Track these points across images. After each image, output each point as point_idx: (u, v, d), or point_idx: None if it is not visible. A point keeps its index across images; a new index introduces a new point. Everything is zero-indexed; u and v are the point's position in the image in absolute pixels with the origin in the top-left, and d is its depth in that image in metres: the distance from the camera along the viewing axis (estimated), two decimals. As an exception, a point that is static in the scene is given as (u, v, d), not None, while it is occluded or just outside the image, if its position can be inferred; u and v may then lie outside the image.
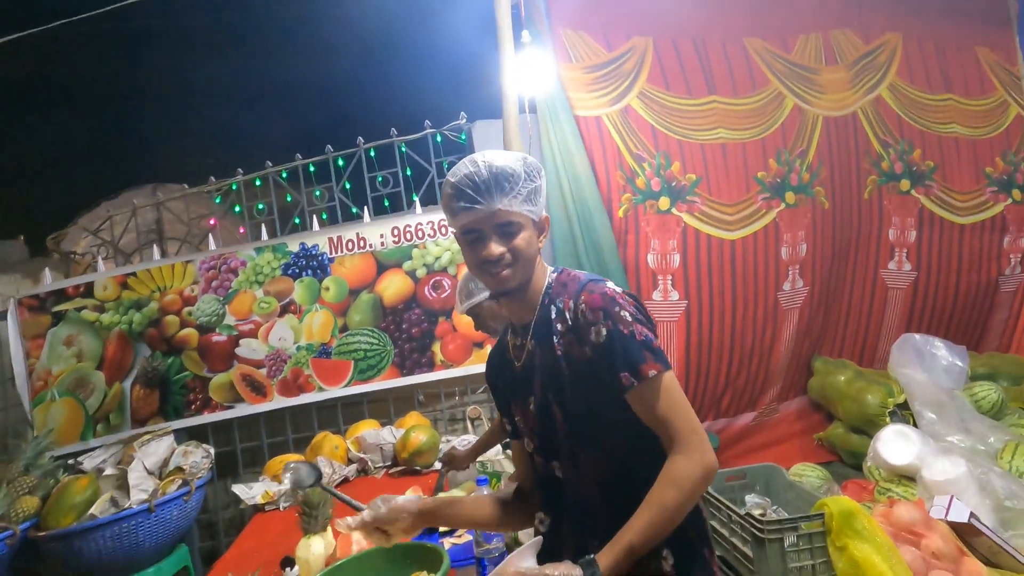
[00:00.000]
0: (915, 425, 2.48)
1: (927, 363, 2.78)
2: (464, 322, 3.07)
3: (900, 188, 3.19)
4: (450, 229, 1.16)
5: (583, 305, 1.06)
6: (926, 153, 3.19)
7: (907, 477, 2.27)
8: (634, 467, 1.08)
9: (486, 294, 2.12)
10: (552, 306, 1.13)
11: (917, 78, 3.23)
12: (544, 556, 1.03)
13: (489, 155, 1.09)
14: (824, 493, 2.35)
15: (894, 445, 2.31)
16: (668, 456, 1.02)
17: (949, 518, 1.83)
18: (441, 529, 1.88)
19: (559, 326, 1.10)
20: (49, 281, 3.07)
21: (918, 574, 1.65)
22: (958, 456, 2.15)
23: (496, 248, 1.06)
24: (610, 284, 1.10)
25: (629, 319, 1.05)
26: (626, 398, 1.04)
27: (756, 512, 1.94)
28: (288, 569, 1.70)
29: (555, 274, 1.17)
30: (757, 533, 1.81)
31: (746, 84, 3.05)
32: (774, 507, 2.25)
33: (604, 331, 1.04)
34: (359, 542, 1.78)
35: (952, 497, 1.88)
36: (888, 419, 2.59)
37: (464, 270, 3.11)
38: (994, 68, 3.38)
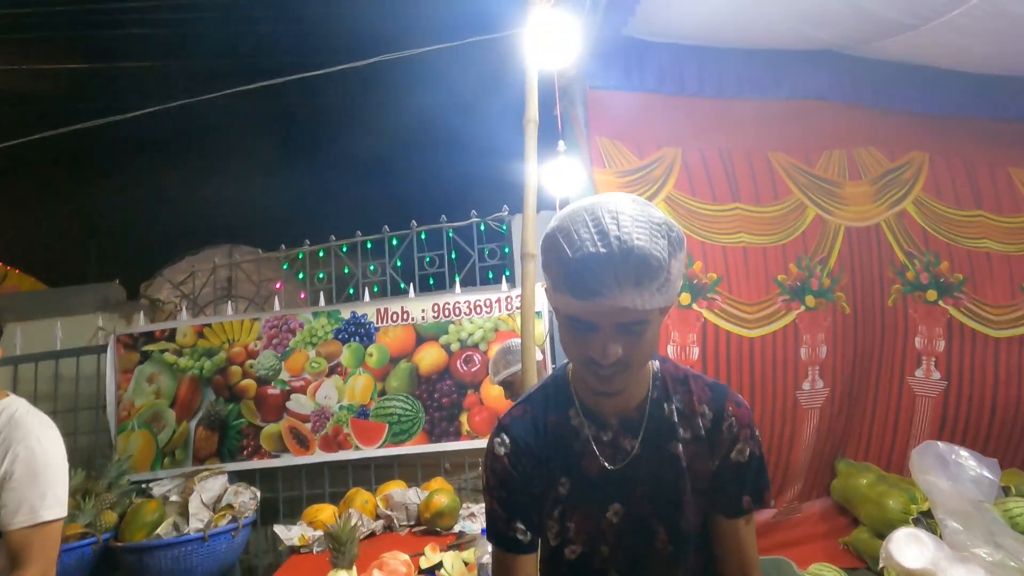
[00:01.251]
0: (940, 535, 2.56)
1: (952, 472, 2.84)
2: (491, 395, 3.42)
3: (927, 298, 3.32)
4: (547, 301, 1.08)
5: (732, 419, 1.00)
6: (954, 266, 3.33)
7: None
8: None
9: (519, 367, 2.43)
10: (667, 403, 1.02)
11: (945, 194, 3.41)
12: None
13: (625, 224, 0.86)
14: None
15: (908, 548, 2.42)
16: None
17: None
18: None
19: (683, 431, 1.01)
20: (143, 323, 3.66)
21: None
22: (978, 566, 2.24)
23: (613, 349, 0.89)
24: (737, 392, 1.05)
25: (760, 440, 1.02)
26: (727, 521, 1.00)
27: None
28: (315, 601, 2.04)
29: (658, 363, 1.07)
30: None
31: (769, 194, 3.31)
32: (785, 602, 2.40)
33: (748, 451, 0.99)
34: (378, 583, 2.11)
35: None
36: (912, 525, 2.67)
37: (497, 345, 3.50)
38: None
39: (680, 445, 1.00)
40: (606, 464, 1.01)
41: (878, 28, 2.73)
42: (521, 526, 1.02)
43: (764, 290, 3.23)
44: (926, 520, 2.73)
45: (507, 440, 1.03)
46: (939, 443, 2.98)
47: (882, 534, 2.84)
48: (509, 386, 2.37)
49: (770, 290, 3.23)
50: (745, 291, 3.22)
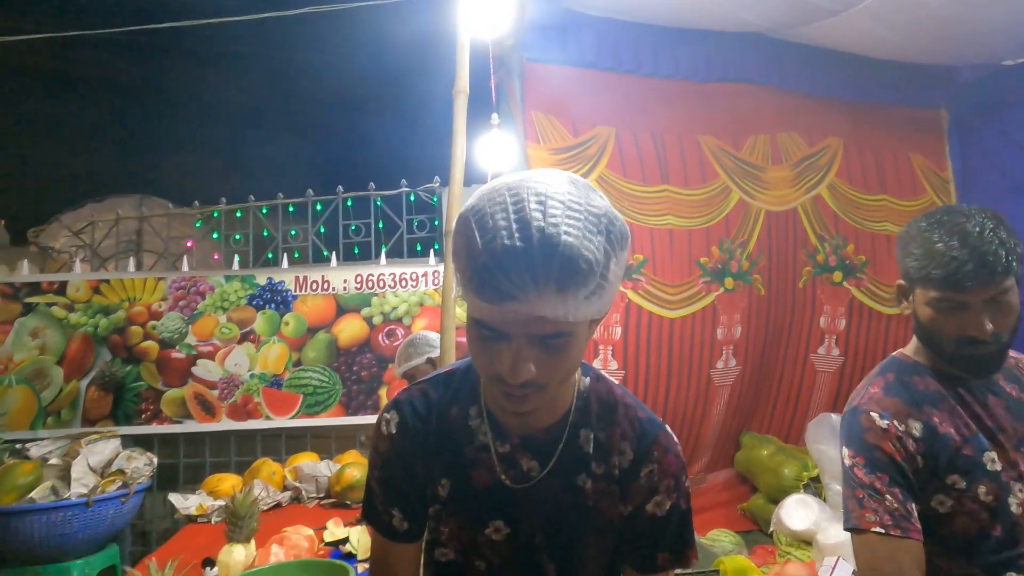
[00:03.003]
0: (824, 499, 2.80)
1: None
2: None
3: (833, 279, 3.59)
4: (455, 294, 0.92)
5: (654, 466, 0.88)
6: (859, 248, 3.61)
7: (806, 542, 2.61)
8: None
9: (423, 359, 2.44)
10: (585, 432, 0.90)
11: (855, 180, 3.69)
12: None
13: (553, 211, 0.70)
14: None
15: (795, 512, 2.67)
16: None
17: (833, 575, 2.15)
18: (357, 554, 2.17)
19: (595, 467, 0.89)
20: (26, 272, 3.42)
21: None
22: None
23: (525, 368, 0.74)
24: (671, 433, 0.92)
25: (688, 491, 0.92)
26: None
27: None
28: (208, 568, 1.98)
29: (588, 379, 0.93)
30: None
31: (697, 177, 3.47)
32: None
33: (669, 505, 0.88)
34: (277, 555, 2.07)
35: (839, 558, 2.19)
36: (802, 491, 2.92)
37: (417, 327, 3.48)
38: (926, 173, 3.84)
39: (589, 481, 0.88)
40: (502, 478, 0.89)
41: (804, 12, 2.88)
42: (398, 513, 0.93)
43: (687, 272, 3.37)
44: (815, 486, 2.97)
45: (396, 419, 0.93)
46: (832, 415, 3.26)
47: (776, 500, 3.07)
48: (412, 379, 2.36)
49: (692, 272, 3.38)
50: (669, 273, 3.35)
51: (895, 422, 1.14)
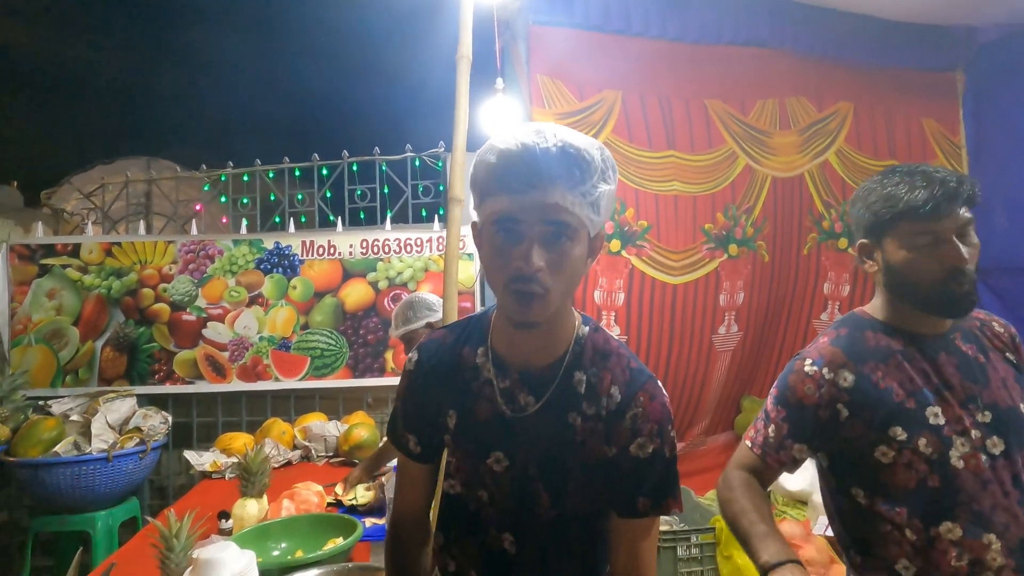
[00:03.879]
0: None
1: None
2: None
3: (838, 245, 3.61)
4: (472, 216, 0.98)
5: (639, 409, 0.94)
6: None
7: (801, 501, 2.70)
8: None
9: (422, 323, 2.49)
10: (580, 373, 0.98)
11: (864, 145, 3.66)
12: None
13: (555, 127, 0.90)
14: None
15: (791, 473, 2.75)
16: None
17: (827, 533, 2.25)
18: (362, 508, 2.28)
19: (587, 407, 0.96)
20: (41, 234, 3.51)
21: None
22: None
23: (538, 257, 0.87)
24: (661, 385, 1.00)
25: (674, 442, 0.97)
26: (620, 520, 0.96)
27: (663, 528, 2.26)
28: (223, 520, 2.09)
29: (588, 329, 1.01)
30: None
31: (703, 142, 3.45)
32: (681, 524, 2.65)
33: (651, 448, 0.94)
34: (288, 509, 2.19)
35: (833, 518, 2.31)
36: None
37: (427, 286, 3.54)
38: (937, 138, 3.80)
39: (579, 419, 0.96)
40: (502, 409, 0.98)
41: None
42: (413, 438, 1.07)
43: (691, 238, 3.39)
44: (812, 447, 3.07)
45: (416, 359, 1.07)
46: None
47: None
48: (409, 341, 2.42)
49: (696, 238, 3.40)
50: (673, 239, 3.37)
51: (824, 370, 1.20)
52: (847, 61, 3.55)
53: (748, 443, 1.29)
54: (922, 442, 1.13)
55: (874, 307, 1.29)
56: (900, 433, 1.14)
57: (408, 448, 1.08)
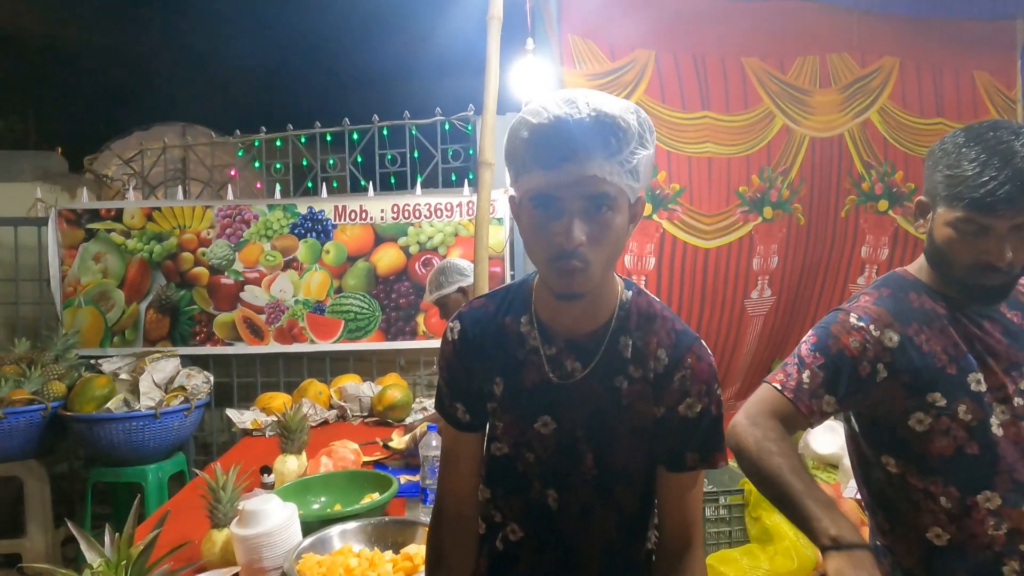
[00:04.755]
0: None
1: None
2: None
3: (878, 208, 3.51)
4: (510, 191, 0.96)
5: (687, 371, 0.96)
6: (908, 175, 3.48)
7: (832, 465, 2.72)
8: (637, 536, 1.06)
9: (454, 288, 2.52)
10: (626, 337, 0.99)
11: (910, 102, 3.52)
12: (505, 567, 1.08)
13: (595, 97, 0.87)
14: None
15: (822, 436, 2.74)
16: (683, 551, 1.00)
17: (856, 497, 2.26)
18: (394, 456, 2.37)
19: (632, 370, 0.98)
20: (86, 199, 3.64)
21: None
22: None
23: (579, 230, 0.86)
24: (705, 345, 1.01)
25: (720, 399, 1.00)
26: (668, 474, 1.00)
27: None
28: (265, 475, 2.20)
29: (631, 294, 1.02)
30: None
31: (739, 102, 3.35)
32: (709, 485, 2.70)
33: (700, 408, 0.97)
34: (326, 465, 2.28)
35: (861, 479, 2.32)
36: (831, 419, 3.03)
37: (457, 250, 3.58)
38: (990, 92, 3.62)
39: (626, 382, 0.98)
40: (550, 376, 1.00)
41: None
42: (461, 407, 1.08)
43: (724, 201, 3.33)
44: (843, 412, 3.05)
45: (458, 327, 1.07)
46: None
47: (804, 425, 3.21)
48: (443, 306, 2.45)
49: (730, 201, 3.34)
50: (706, 203, 3.32)
51: (871, 327, 1.13)
52: (893, 13, 3.40)
53: (778, 386, 1.15)
54: (962, 408, 1.09)
55: (918, 268, 1.23)
56: (939, 399, 1.10)
57: (457, 417, 1.09)
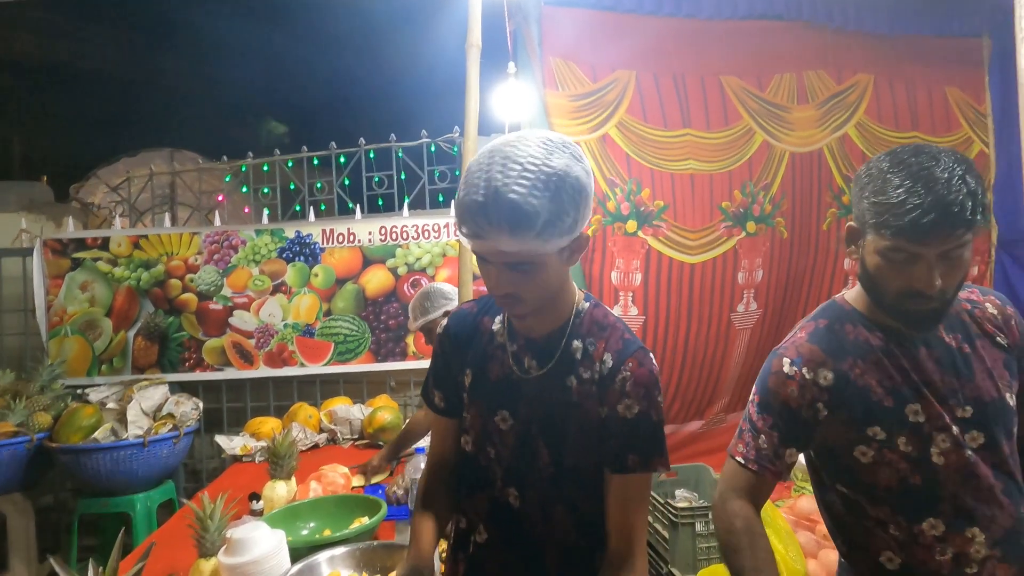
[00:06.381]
0: None
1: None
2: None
3: None
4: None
5: (627, 373, 1.04)
6: None
7: None
8: (597, 539, 1.09)
9: (440, 312, 2.52)
10: (578, 341, 1.09)
11: (885, 117, 3.59)
12: (474, 569, 1.16)
13: (511, 172, 0.91)
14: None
15: None
16: (621, 561, 1.03)
17: None
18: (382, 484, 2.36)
19: (583, 371, 1.07)
20: (72, 229, 3.63)
21: (809, 553, 2.07)
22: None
23: (502, 284, 0.99)
24: (651, 355, 1.08)
25: (661, 407, 1.06)
26: (611, 477, 1.05)
27: (682, 504, 2.32)
28: (254, 501, 2.18)
29: (588, 305, 1.13)
30: (672, 518, 2.22)
31: (719, 119, 3.41)
32: (700, 501, 2.69)
33: (637, 409, 1.03)
34: (315, 490, 2.27)
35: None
36: None
37: (441, 277, 3.59)
38: (962, 107, 3.71)
39: (576, 381, 1.07)
40: (512, 370, 1.11)
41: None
42: (439, 394, 1.22)
43: (708, 217, 3.38)
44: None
45: (444, 325, 1.22)
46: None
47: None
48: (429, 332, 2.42)
49: (713, 217, 3.38)
50: (690, 218, 3.36)
51: (804, 369, 1.15)
52: (865, 31, 3.48)
53: (739, 459, 1.18)
54: (902, 440, 1.10)
55: (855, 296, 1.22)
56: (879, 432, 1.11)
57: (435, 403, 1.23)
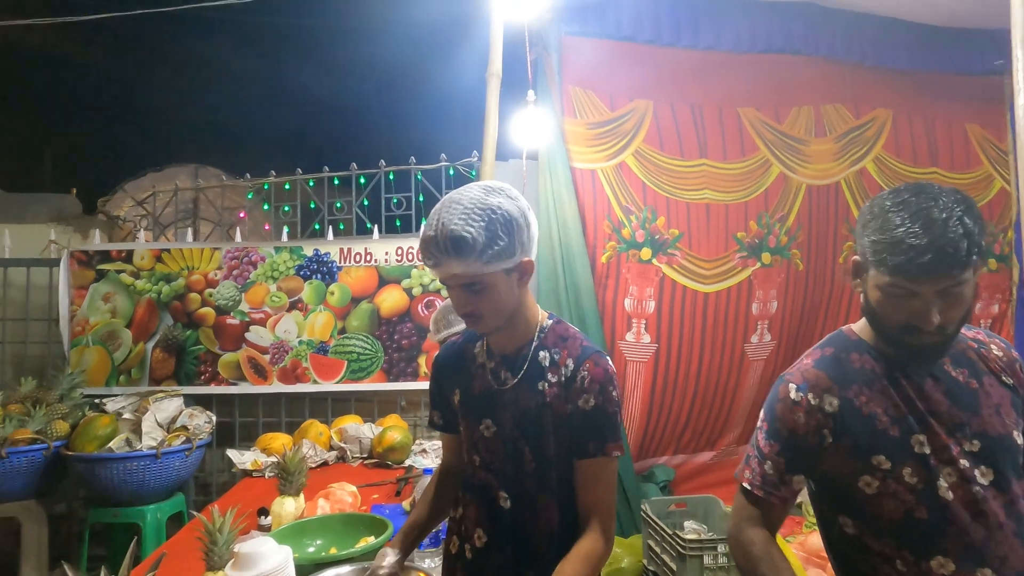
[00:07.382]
0: None
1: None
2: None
3: None
4: None
5: (586, 373, 1.21)
6: None
7: None
8: (579, 524, 1.24)
9: (462, 326, 2.55)
10: (544, 352, 1.27)
11: (904, 152, 3.62)
12: (477, 570, 1.30)
13: (450, 214, 1.15)
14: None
15: None
16: (584, 532, 1.20)
17: None
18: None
19: (551, 375, 1.24)
20: (98, 241, 3.72)
21: (819, 591, 2.01)
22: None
23: (462, 304, 1.21)
24: (609, 360, 1.26)
25: (616, 400, 1.23)
26: (577, 463, 1.23)
27: (691, 536, 2.27)
28: (262, 517, 2.20)
29: (551, 322, 1.32)
30: (680, 550, 2.20)
31: (736, 150, 3.45)
32: (709, 533, 2.65)
33: (593, 402, 1.20)
34: (323, 508, 2.28)
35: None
36: None
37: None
38: (982, 144, 3.71)
39: (547, 385, 1.25)
40: (491, 383, 1.30)
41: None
42: (437, 413, 1.45)
43: (723, 247, 3.39)
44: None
45: (436, 355, 1.46)
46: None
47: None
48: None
49: (729, 247, 3.40)
50: (705, 247, 3.38)
51: (809, 396, 1.16)
52: (885, 67, 3.51)
53: (747, 486, 1.20)
54: (907, 471, 1.10)
55: (862, 327, 1.24)
56: (884, 462, 1.11)
57: (434, 421, 1.45)
